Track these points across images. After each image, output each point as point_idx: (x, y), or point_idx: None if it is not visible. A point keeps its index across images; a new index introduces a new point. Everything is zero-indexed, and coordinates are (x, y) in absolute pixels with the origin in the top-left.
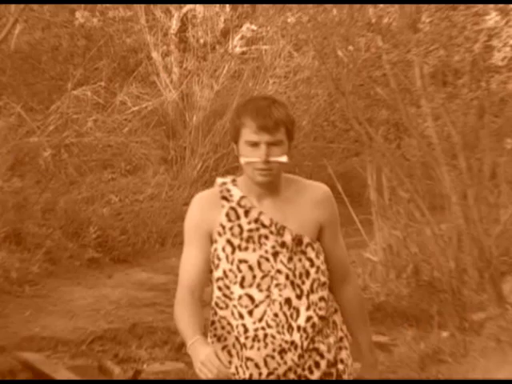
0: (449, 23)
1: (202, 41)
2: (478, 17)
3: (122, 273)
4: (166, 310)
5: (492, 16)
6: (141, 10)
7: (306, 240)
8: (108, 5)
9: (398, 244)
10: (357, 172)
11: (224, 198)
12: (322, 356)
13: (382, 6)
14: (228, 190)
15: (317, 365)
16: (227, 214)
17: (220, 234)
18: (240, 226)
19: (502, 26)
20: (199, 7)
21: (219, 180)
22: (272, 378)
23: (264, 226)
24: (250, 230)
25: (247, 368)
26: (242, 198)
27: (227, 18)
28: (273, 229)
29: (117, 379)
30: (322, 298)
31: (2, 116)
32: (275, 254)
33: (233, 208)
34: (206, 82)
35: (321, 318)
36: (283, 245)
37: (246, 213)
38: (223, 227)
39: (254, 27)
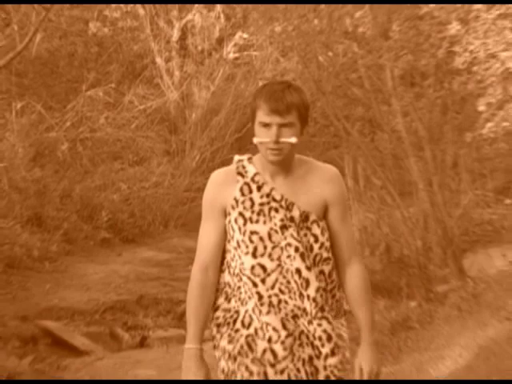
0: (416, 31)
1: (199, 48)
2: (441, 26)
3: (130, 251)
4: (169, 284)
5: (454, 25)
6: (146, 21)
7: (312, 217)
8: (117, 15)
9: (371, 225)
10: (336, 162)
11: (239, 173)
12: (332, 328)
13: (357, 16)
14: (243, 167)
15: (328, 337)
16: (241, 189)
17: (233, 207)
18: (252, 200)
19: (462, 34)
20: (197, 18)
21: (236, 157)
22: (290, 339)
23: (275, 200)
24: (262, 204)
25: (267, 331)
26: (256, 174)
27: (222, 28)
28: (283, 203)
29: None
30: (321, 272)
31: (25, 114)
32: (283, 227)
33: (247, 183)
34: (203, 84)
35: (322, 289)
36: (291, 219)
37: (259, 188)
38: (236, 201)
39: (245, 36)
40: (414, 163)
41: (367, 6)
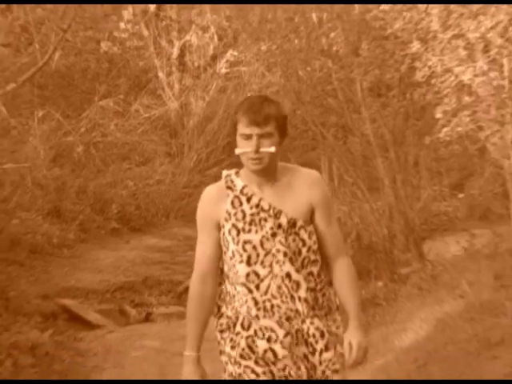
0: (382, 50)
1: (196, 64)
2: (404, 45)
3: (137, 239)
4: (170, 267)
5: (414, 44)
6: (150, 41)
7: (299, 223)
8: (125, 36)
9: (344, 216)
10: (313, 162)
11: (229, 187)
12: (324, 325)
13: (332, 36)
14: (232, 181)
15: (322, 334)
16: (232, 202)
17: (226, 220)
18: (243, 212)
19: (422, 52)
20: (194, 38)
21: (224, 173)
22: (288, 338)
23: (263, 210)
24: (252, 215)
25: (266, 331)
26: (244, 186)
27: (215, 47)
28: (271, 212)
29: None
30: (310, 273)
31: (46, 121)
32: (274, 235)
33: (236, 196)
34: (199, 95)
35: (311, 289)
36: (279, 226)
37: (248, 199)
38: (229, 214)
39: (235, 53)
40: (380, 163)
41: (340, 28)
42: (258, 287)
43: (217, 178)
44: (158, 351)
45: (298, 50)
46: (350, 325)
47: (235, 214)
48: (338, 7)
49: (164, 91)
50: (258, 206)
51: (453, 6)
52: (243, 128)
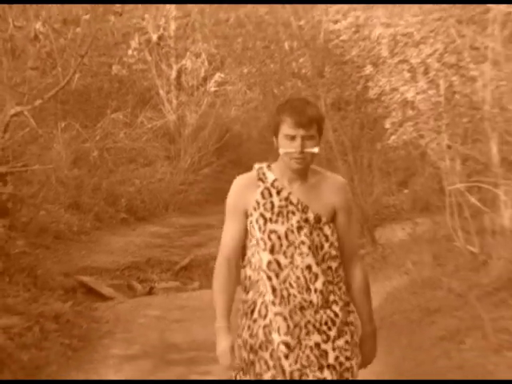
0: (342, 72)
1: (190, 83)
2: (359, 68)
3: (142, 227)
4: (169, 250)
5: (368, 67)
6: (152, 65)
7: (323, 219)
8: (132, 61)
9: None
10: None
11: (260, 179)
12: (336, 314)
13: (301, 61)
14: (263, 174)
15: (333, 322)
16: (262, 193)
17: (255, 209)
18: (272, 203)
19: (374, 74)
20: (189, 63)
21: (256, 165)
22: (297, 329)
23: (292, 203)
24: (280, 207)
25: (276, 322)
26: (275, 180)
27: (206, 69)
28: (299, 207)
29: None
30: (329, 268)
31: (67, 131)
32: (299, 228)
33: (267, 188)
34: (193, 109)
35: (329, 282)
36: (306, 221)
37: (278, 192)
38: (258, 203)
39: (222, 75)
40: (341, 165)
41: (307, 54)
42: (277, 275)
43: (207, 177)
44: (159, 318)
45: (273, 73)
46: (363, 331)
47: (264, 204)
48: (306, 37)
49: (164, 106)
50: (286, 199)
51: (399, 37)
52: (288, 129)
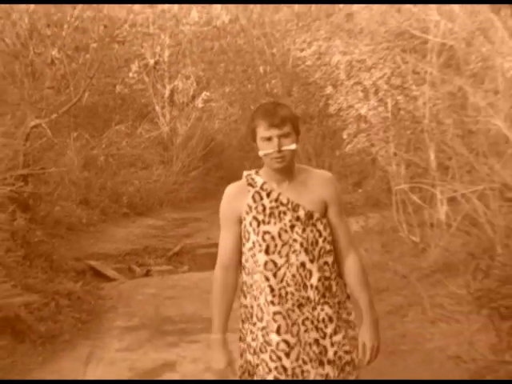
0: (307, 92)
1: (181, 101)
2: (321, 88)
3: (140, 220)
4: (163, 239)
5: (328, 88)
6: (150, 85)
7: (316, 215)
8: (133, 81)
9: None
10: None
11: (250, 184)
12: (333, 311)
13: (273, 82)
14: (252, 179)
15: (330, 319)
16: (253, 197)
17: (247, 213)
18: (263, 205)
19: (333, 93)
20: (180, 83)
21: (245, 173)
22: (295, 327)
23: (282, 204)
24: (272, 208)
25: (275, 321)
26: (264, 183)
27: (194, 89)
28: (289, 206)
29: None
30: (325, 263)
31: (78, 140)
32: (292, 227)
33: (257, 191)
34: (183, 122)
35: (326, 278)
36: (298, 219)
37: (268, 194)
38: (250, 207)
39: (208, 94)
40: None
41: (278, 77)
42: (275, 275)
43: (195, 178)
44: (155, 296)
45: (250, 92)
46: (365, 320)
47: (256, 207)
48: (277, 63)
49: (159, 119)
50: (277, 200)
51: (354, 63)
52: (263, 131)
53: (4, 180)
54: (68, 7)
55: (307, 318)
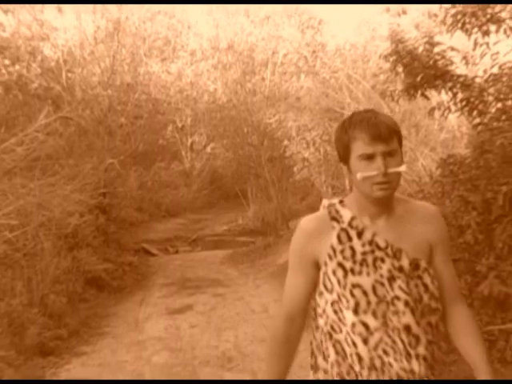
0: (272, 143)
1: (197, 148)
2: (281, 141)
3: (172, 220)
4: (186, 231)
5: (285, 141)
6: (178, 140)
7: (423, 265)
8: (168, 137)
9: (259, 211)
10: (244, 189)
11: (334, 218)
12: None
13: (252, 137)
14: (337, 211)
15: None
16: (338, 236)
17: (330, 257)
18: (352, 249)
19: (288, 144)
20: (196, 138)
21: (325, 202)
22: None
23: (379, 248)
24: (364, 253)
25: None
26: (353, 218)
27: (205, 142)
28: (389, 251)
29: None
30: (428, 323)
31: (135, 171)
32: (391, 279)
33: (344, 229)
34: (198, 161)
35: (429, 342)
36: (400, 269)
37: (359, 234)
38: (334, 250)
39: (213, 144)
40: (273, 190)
41: (256, 134)
42: (365, 341)
43: (205, 195)
44: (180, 265)
45: (238, 143)
46: (483, 371)
47: (342, 250)
48: (255, 125)
49: (184, 160)
50: (371, 242)
51: (300, 126)
52: (363, 147)
53: (92, 196)
54: (130, 92)
55: None
